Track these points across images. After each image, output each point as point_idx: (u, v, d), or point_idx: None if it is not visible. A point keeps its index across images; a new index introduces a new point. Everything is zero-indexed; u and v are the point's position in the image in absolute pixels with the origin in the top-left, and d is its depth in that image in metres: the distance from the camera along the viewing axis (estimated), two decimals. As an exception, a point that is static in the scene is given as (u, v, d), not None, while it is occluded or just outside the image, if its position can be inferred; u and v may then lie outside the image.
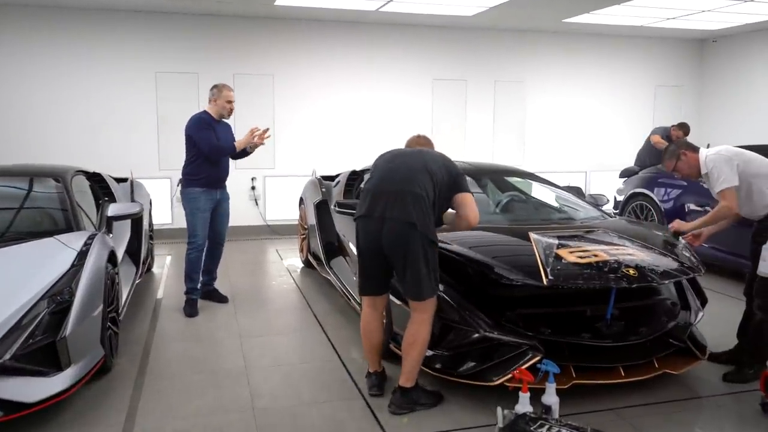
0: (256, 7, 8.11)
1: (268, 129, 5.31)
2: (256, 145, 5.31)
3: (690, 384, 3.81)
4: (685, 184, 6.78)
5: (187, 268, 5.28)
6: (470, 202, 3.52)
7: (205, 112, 5.23)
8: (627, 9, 8.00)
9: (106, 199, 5.48)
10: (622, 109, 10.48)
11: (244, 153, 5.39)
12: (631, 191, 7.54)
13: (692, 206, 6.72)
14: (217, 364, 4.17)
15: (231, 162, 5.46)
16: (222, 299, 5.54)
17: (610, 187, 8.56)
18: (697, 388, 3.79)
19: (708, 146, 4.15)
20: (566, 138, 10.25)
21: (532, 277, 3.40)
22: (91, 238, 3.98)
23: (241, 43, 8.78)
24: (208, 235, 5.34)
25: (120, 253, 4.79)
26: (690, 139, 8.38)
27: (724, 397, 3.68)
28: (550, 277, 3.36)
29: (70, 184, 4.69)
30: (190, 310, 5.21)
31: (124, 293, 4.70)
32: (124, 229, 5.32)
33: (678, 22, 8.94)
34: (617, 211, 7.73)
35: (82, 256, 3.72)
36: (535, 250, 3.62)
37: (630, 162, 8.80)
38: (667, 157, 4.06)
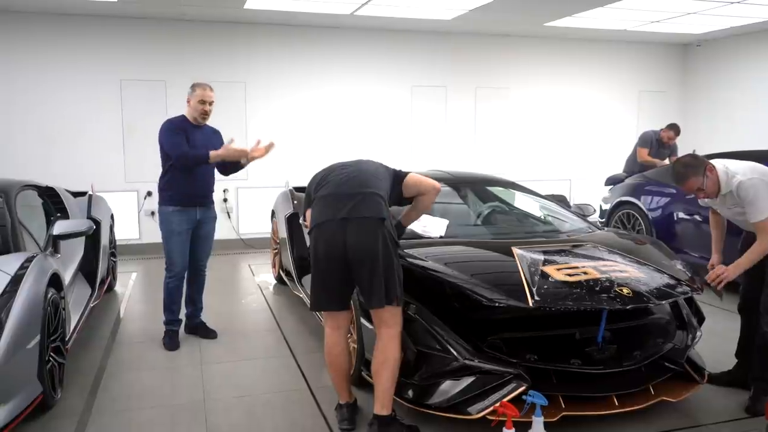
0: (225, 11, 7.76)
1: (272, 143, 4.55)
2: (253, 158, 4.56)
3: (689, 410, 3.50)
4: (674, 192, 6.51)
5: (165, 298, 4.68)
6: (420, 178, 3.49)
7: (182, 115, 4.65)
8: (610, 12, 7.76)
9: (59, 215, 5.07)
10: (606, 115, 10.25)
11: (235, 166, 4.68)
12: (617, 200, 7.26)
13: (681, 215, 6.44)
14: (172, 398, 3.77)
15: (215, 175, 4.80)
16: (209, 334, 4.82)
17: (596, 196, 8.31)
18: (697, 414, 3.47)
19: (694, 151, 3.85)
20: (550, 145, 9.98)
21: (516, 297, 3.07)
22: (29, 260, 3.58)
23: (211, 49, 8.40)
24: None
25: (69, 275, 4.39)
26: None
27: (728, 424, 3.38)
28: (536, 298, 3.03)
29: (13, 200, 4.28)
30: (170, 343, 4.62)
31: (74, 318, 4.31)
32: (76, 248, 4.91)
33: (662, 26, 8.72)
34: (603, 220, 7.45)
35: (16, 281, 3.33)
36: (519, 267, 3.29)
37: (615, 169, 8.54)
38: (692, 175, 3.42)
